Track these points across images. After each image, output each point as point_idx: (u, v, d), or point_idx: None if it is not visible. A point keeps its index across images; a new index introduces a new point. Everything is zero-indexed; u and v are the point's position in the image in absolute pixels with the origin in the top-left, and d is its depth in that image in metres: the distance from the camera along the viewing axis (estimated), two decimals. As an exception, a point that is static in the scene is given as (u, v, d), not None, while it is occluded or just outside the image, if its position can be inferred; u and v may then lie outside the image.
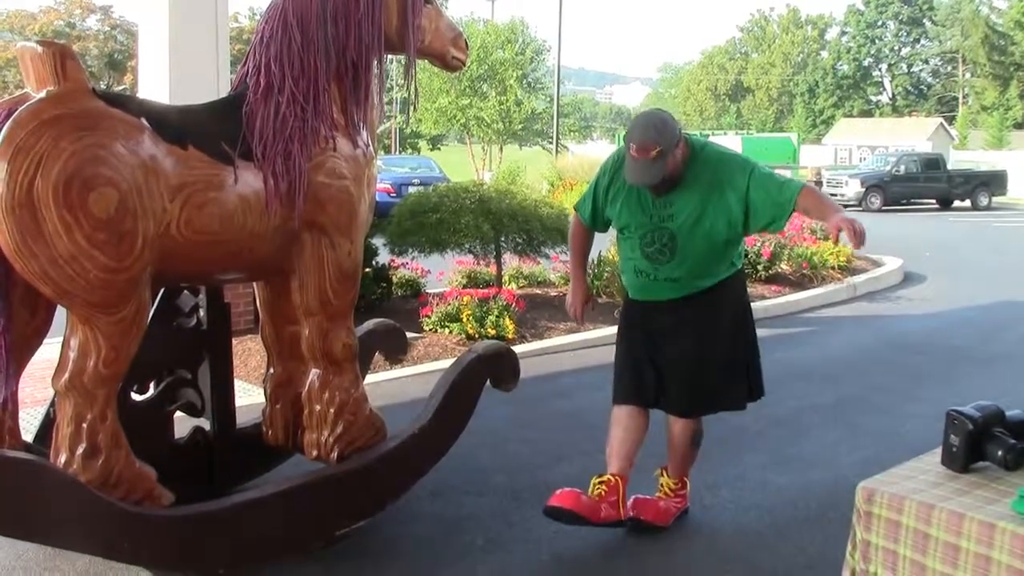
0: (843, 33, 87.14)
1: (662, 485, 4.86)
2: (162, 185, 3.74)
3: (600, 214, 4.76)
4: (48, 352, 4.00)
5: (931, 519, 2.69)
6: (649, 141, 4.29)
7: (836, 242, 4.29)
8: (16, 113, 3.49)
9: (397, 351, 5.83)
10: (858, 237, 3.88)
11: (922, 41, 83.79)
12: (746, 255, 11.81)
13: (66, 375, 3.74)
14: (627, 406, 4.63)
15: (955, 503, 2.70)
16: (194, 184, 3.86)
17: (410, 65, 4.67)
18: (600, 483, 4.53)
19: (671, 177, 4.40)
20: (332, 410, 4.49)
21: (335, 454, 4.49)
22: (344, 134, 4.39)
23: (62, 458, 3.78)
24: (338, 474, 4.46)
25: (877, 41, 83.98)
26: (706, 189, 4.42)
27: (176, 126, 3.91)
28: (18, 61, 3.79)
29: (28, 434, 4.58)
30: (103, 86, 46.13)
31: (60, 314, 3.88)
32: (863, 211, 30.43)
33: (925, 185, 33.17)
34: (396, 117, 43.68)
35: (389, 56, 4.76)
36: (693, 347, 4.54)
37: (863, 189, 32.05)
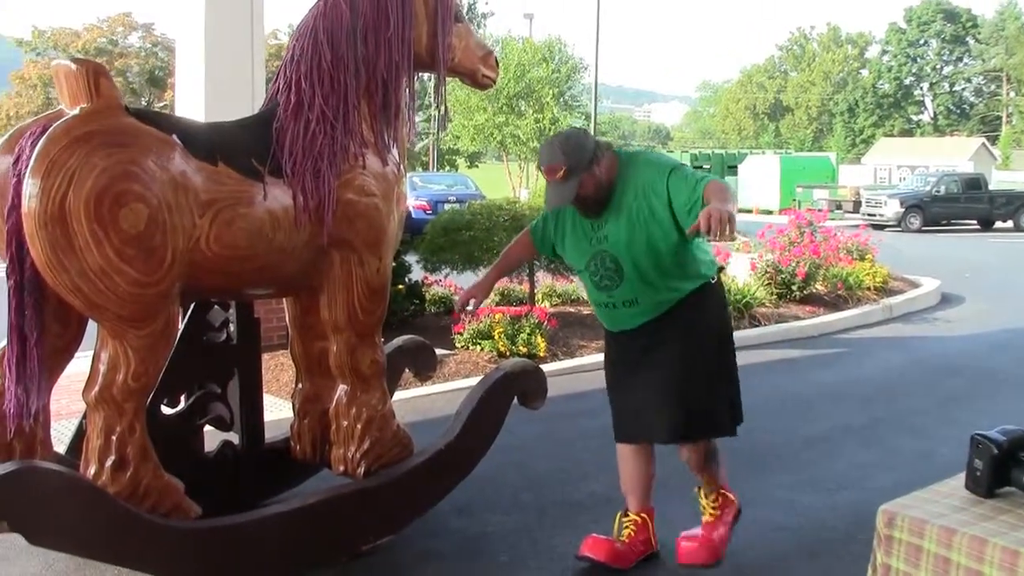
0: (884, 51, 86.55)
1: (703, 508, 4.59)
2: (192, 201, 3.78)
3: (548, 242, 4.59)
4: (82, 365, 4.04)
5: (952, 544, 2.66)
6: (554, 163, 4.12)
7: (694, 234, 3.81)
8: (50, 129, 3.55)
9: (426, 368, 5.84)
10: (714, 224, 3.56)
11: (965, 59, 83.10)
12: (780, 273, 11.91)
13: (96, 388, 3.78)
14: (625, 444, 4.51)
15: (978, 528, 2.67)
16: (224, 200, 3.90)
17: (440, 83, 4.71)
18: (628, 523, 4.55)
19: (595, 197, 4.19)
20: (359, 426, 4.52)
21: (361, 469, 4.51)
22: (374, 151, 4.42)
23: (91, 469, 3.82)
24: (364, 489, 4.48)
25: (919, 59, 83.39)
26: (632, 201, 4.16)
27: (206, 143, 3.96)
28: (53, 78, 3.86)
29: (61, 445, 4.64)
30: (144, 103, 46.76)
31: (92, 328, 3.93)
32: (902, 231, 30.21)
33: (966, 206, 32.85)
34: (433, 134, 43.81)
35: (421, 74, 4.79)
36: (667, 369, 4.26)
37: (902, 209, 31.75)
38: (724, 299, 4.57)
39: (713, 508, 4.56)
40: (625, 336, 4.41)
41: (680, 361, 4.24)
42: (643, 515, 4.56)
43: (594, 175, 4.14)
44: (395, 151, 4.56)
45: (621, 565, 4.45)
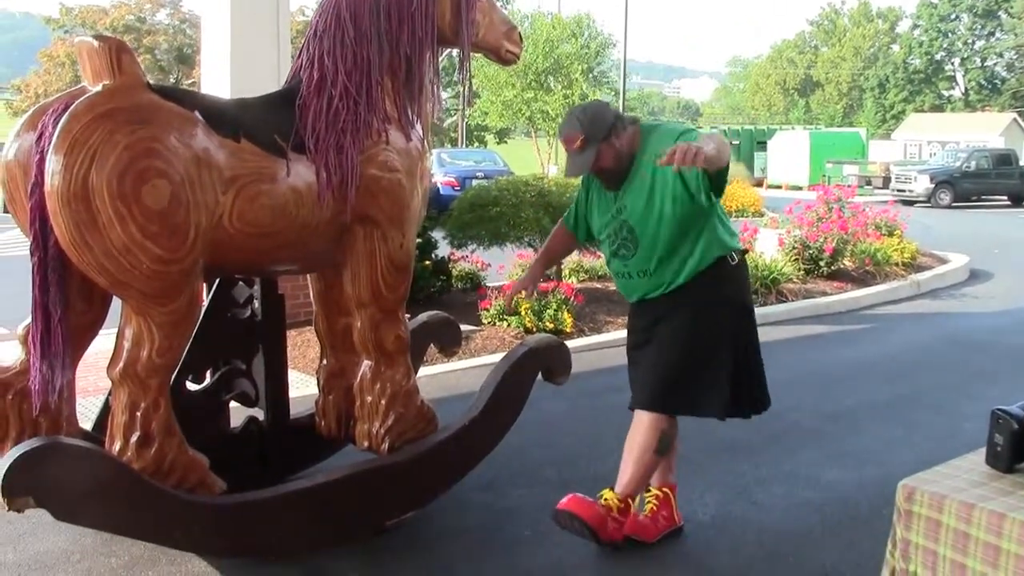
0: (915, 26, 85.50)
1: (605, 498, 4.30)
2: (215, 177, 3.79)
3: (582, 222, 4.60)
4: (107, 342, 4.07)
5: (972, 519, 2.65)
6: (572, 131, 4.16)
7: (665, 163, 3.63)
8: (72, 107, 3.56)
9: (451, 344, 5.84)
10: (679, 155, 3.53)
11: (997, 34, 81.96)
12: (808, 248, 11.85)
13: (120, 364, 3.81)
14: None
15: (997, 503, 2.65)
16: (247, 177, 3.90)
17: (464, 59, 4.69)
18: (650, 497, 4.57)
19: (614, 168, 4.22)
20: (383, 401, 4.52)
21: (386, 445, 4.52)
22: (397, 127, 4.41)
23: (116, 446, 3.85)
24: (388, 465, 4.50)
25: (950, 35, 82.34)
26: (649, 171, 4.15)
27: (229, 119, 3.96)
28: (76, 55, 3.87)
29: (87, 422, 4.68)
30: (172, 80, 46.87)
31: (116, 304, 3.95)
32: (932, 207, 30.00)
33: (996, 181, 32.59)
34: (461, 110, 43.79)
35: (448, 50, 4.78)
36: (663, 342, 4.24)
37: (932, 185, 31.52)
38: (744, 280, 4.42)
39: (616, 505, 4.29)
40: (641, 307, 4.41)
41: (677, 334, 4.22)
42: (665, 490, 4.56)
43: (613, 146, 4.16)
44: (419, 127, 4.55)
45: (646, 538, 4.46)
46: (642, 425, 4.28)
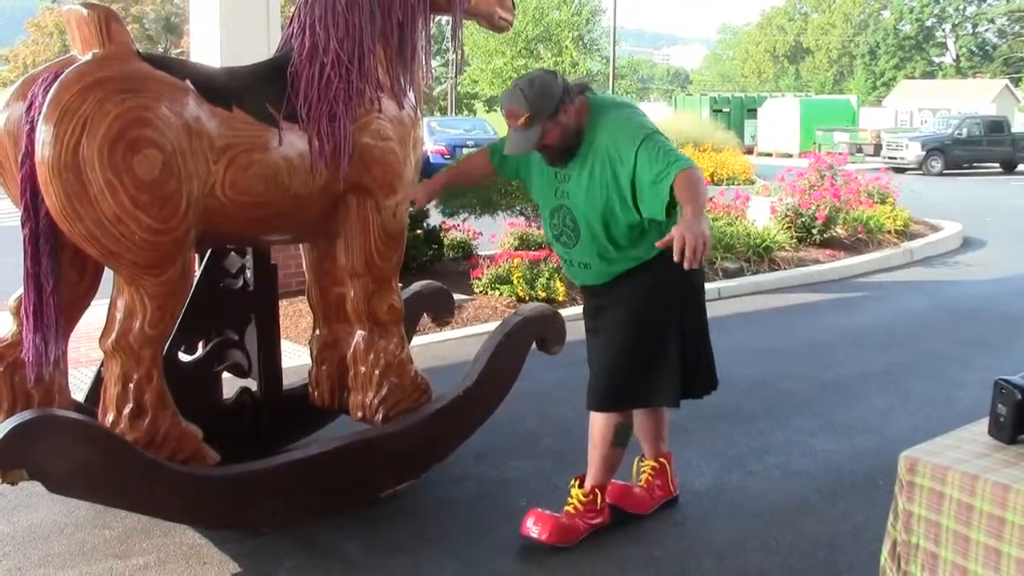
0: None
1: (572, 497, 4.28)
2: (206, 147, 3.75)
3: (511, 165, 4.33)
4: (100, 313, 4.04)
5: (975, 490, 2.63)
6: (515, 107, 3.82)
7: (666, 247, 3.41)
8: (62, 76, 3.51)
9: (444, 313, 5.81)
10: (688, 254, 3.29)
11: (988, 0, 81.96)
12: (800, 216, 11.83)
13: (113, 336, 3.78)
14: None
15: (1001, 475, 2.64)
16: (238, 146, 3.87)
17: (456, 26, 4.65)
18: (645, 467, 4.56)
19: (560, 146, 3.92)
20: (377, 372, 4.51)
21: (380, 416, 4.50)
22: (390, 95, 4.38)
23: (109, 417, 3.83)
24: (382, 436, 4.48)
25: (941, 1, 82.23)
26: (596, 163, 3.87)
27: (221, 88, 3.92)
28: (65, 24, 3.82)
29: (80, 393, 4.65)
30: (160, 50, 46.57)
31: (108, 275, 3.92)
32: (923, 175, 29.99)
33: (988, 149, 32.51)
34: (451, 78, 43.64)
35: (438, 17, 4.72)
36: (604, 336, 4.13)
37: (923, 152, 31.48)
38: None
39: (581, 501, 4.27)
40: (585, 291, 4.32)
41: (620, 329, 4.06)
42: (661, 460, 4.54)
43: (559, 123, 3.85)
44: (411, 95, 4.51)
45: (640, 510, 4.45)
46: (598, 420, 4.21)
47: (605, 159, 3.84)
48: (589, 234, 3.97)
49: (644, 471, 4.55)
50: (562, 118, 3.85)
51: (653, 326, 4.04)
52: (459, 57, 4.76)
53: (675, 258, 3.32)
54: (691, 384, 4.15)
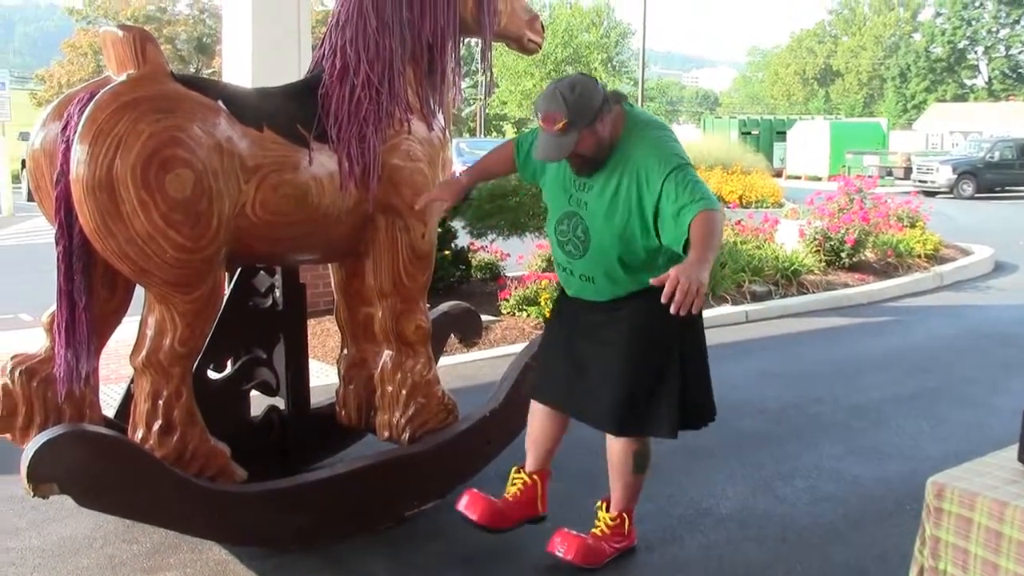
0: (937, 14, 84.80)
1: (599, 520, 4.23)
2: (238, 166, 3.80)
3: (531, 166, 4.15)
4: (131, 330, 4.08)
5: (1004, 517, 2.62)
6: (554, 111, 3.61)
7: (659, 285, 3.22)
8: (97, 96, 3.57)
9: (471, 334, 5.83)
10: (678, 297, 3.13)
11: (1022, 22, 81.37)
12: (829, 240, 11.78)
13: (143, 353, 3.82)
14: (540, 404, 4.23)
15: (1030, 500, 2.63)
16: (269, 166, 3.91)
17: (486, 48, 4.68)
18: (518, 480, 4.34)
19: (592, 157, 3.74)
20: (404, 391, 4.53)
21: (406, 435, 4.52)
22: (419, 117, 4.41)
23: (139, 434, 3.87)
24: (408, 455, 4.50)
25: (973, 22, 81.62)
26: (625, 178, 3.72)
27: (252, 108, 3.97)
28: (101, 45, 3.88)
29: (110, 409, 4.69)
30: (192, 70, 46.96)
31: (139, 292, 3.96)
32: (954, 198, 29.81)
33: (1021, 172, 32.30)
34: (480, 100, 43.83)
35: (467, 39, 4.76)
36: (615, 357, 3.90)
37: (955, 176, 31.31)
38: None
39: (608, 525, 4.22)
40: (581, 304, 4.06)
41: (631, 350, 3.88)
42: (536, 476, 4.34)
43: (596, 132, 3.68)
44: (440, 116, 4.54)
45: (500, 525, 4.22)
46: (615, 445, 4.07)
47: (633, 178, 3.70)
48: (599, 250, 3.82)
49: (516, 483, 4.33)
50: (599, 128, 3.68)
51: (655, 351, 3.90)
52: (488, 79, 4.79)
53: (663, 300, 3.16)
54: (690, 413, 3.98)
